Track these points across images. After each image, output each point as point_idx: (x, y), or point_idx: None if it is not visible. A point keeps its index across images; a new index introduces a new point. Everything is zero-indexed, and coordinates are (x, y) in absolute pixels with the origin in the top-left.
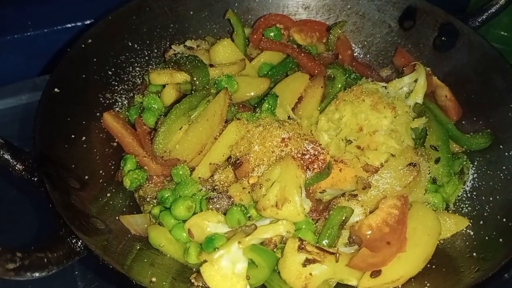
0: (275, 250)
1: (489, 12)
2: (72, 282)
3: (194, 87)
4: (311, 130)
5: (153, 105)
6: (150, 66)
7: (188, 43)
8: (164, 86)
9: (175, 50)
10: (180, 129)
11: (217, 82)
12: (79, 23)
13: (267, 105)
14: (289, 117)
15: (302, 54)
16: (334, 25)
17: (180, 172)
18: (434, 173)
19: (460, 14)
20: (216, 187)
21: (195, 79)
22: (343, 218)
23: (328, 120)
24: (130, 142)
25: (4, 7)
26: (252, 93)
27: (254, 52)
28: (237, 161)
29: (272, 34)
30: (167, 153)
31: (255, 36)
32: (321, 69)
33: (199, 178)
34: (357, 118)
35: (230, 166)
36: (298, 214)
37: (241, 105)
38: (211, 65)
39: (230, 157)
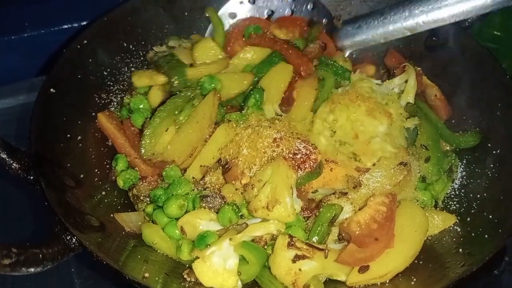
0: (265, 247)
1: None
2: (68, 279)
3: (171, 88)
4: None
5: (140, 106)
6: (145, 67)
7: (171, 42)
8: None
9: (156, 51)
10: (166, 130)
11: (200, 84)
12: (75, 24)
13: (253, 100)
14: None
15: (291, 51)
16: (316, 22)
17: (172, 173)
18: (424, 172)
19: None
20: (207, 188)
21: (172, 80)
22: (333, 215)
23: (323, 121)
24: (122, 143)
25: (2, 8)
26: (236, 90)
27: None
28: (226, 165)
29: (251, 30)
30: (157, 155)
31: (229, 47)
32: (309, 67)
33: (192, 178)
34: (352, 125)
35: (220, 168)
36: (289, 216)
37: (228, 106)
38: (191, 65)
39: (220, 159)
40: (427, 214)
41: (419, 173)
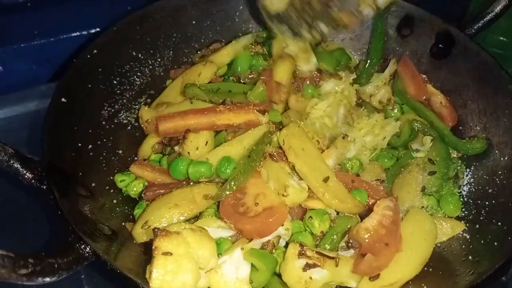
0: (273, 251)
1: (484, 19)
2: (79, 286)
3: None
4: None
5: None
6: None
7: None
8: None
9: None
10: None
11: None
12: (84, 32)
13: None
14: None
15: None
16: None
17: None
18: (425, 182)
19: (457, 22)
20: None
21: None
22: (348, 227)
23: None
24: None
25: (12, 16)
26: None
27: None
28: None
29: None
30: None
31: None
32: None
33: None
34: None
35: None
36: (302, 192)
37: None
38: None
39: None
40: (435, 221)
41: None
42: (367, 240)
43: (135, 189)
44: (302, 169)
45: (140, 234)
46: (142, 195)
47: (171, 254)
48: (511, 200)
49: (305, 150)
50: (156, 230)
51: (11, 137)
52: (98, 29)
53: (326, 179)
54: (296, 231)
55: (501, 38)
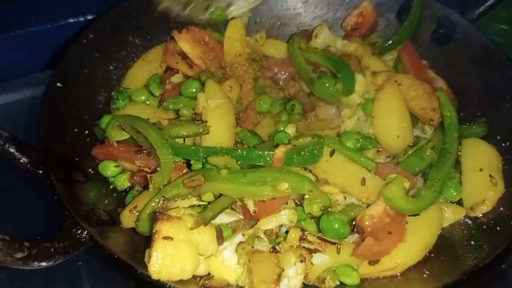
0: (276, 239)
1: (485, 5)
2: (76, 272)
3: None
4: None
5: None
6: None
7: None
8: None
9: None
10: None
11: None
12: (81, 19)
13: None
14: None
15: None
16: None
17: None
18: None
19: (458, 7)
20: None
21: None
22: (355, 215)
23: None
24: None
25: (8, 3)
26: None
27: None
28: None
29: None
30: None
31: None
32: None
33: None
34: None
35: None
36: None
37: None
38: None
39: None
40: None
41: None
42: (370, 227)
43: (121, 180)
44: (335, 182)
45: (127, 218)
46: (130, 179)
47: (171, 238)
48: None
49: (329, 161)
50: (157, 214)
51: (9, 124)
52: (95, 16)
53: (363, 181)
54: (301, 218)
55: (502, 26)
